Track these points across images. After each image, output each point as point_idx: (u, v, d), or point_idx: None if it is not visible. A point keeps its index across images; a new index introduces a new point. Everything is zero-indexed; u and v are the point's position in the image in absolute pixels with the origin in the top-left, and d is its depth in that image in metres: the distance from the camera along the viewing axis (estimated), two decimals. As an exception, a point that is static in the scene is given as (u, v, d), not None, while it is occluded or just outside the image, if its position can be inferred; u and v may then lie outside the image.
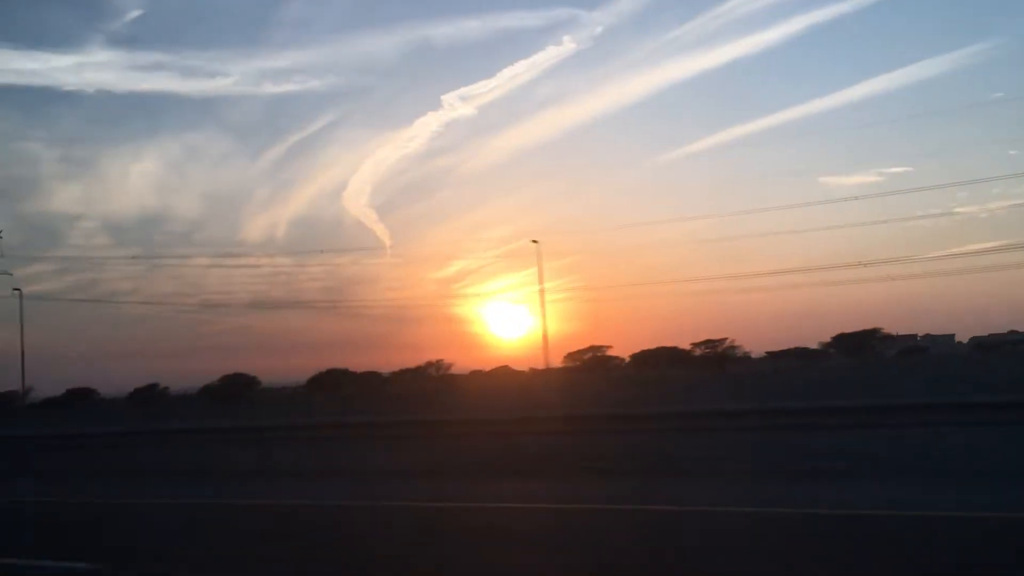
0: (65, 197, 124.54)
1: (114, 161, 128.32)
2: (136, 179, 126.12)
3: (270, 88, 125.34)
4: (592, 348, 79.66)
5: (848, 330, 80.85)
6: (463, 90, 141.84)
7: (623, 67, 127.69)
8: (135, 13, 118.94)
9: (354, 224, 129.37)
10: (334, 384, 68.72)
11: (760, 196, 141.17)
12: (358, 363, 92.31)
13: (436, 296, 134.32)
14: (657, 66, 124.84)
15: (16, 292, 60.87)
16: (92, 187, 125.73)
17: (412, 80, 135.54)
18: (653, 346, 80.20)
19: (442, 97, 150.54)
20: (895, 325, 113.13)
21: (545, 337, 64.63)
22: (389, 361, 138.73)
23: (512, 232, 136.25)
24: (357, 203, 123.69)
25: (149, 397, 70.26)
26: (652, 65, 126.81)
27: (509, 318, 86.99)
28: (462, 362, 74.98)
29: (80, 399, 76.02)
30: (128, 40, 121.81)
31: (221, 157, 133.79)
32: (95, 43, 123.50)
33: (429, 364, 54.21)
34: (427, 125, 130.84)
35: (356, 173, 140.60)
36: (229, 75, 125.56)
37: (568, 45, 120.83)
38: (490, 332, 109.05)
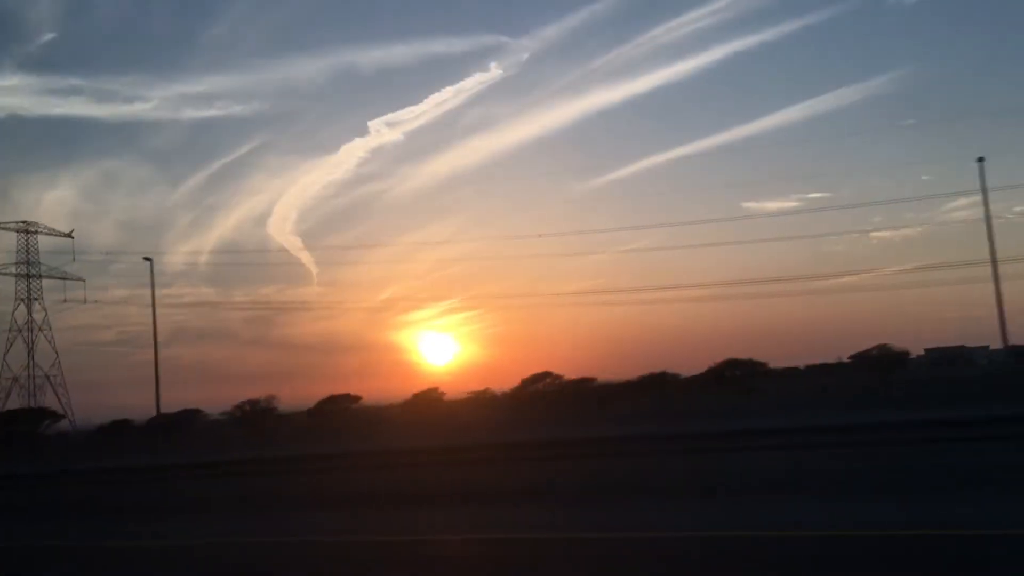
0: None
1: (26, 188, 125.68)
2: (50, 206, 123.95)
3: (191, 113, 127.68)
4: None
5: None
6: (390, 116, 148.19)
7: (549, 94, 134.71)
8: (49, 36, 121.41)
9: (279, 252, 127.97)
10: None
11: (685, 221, 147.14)
12: (284, 394, 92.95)
13: (364, 324, 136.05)
14: (582, 93, 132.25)
15: None
16: (3, 214, 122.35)
17: (338, 106, 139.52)
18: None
19: (369, 123, 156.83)
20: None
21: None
22: (317, 392, 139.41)
23: (440, 259, 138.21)
24: (282, 230, 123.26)
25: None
26: (577, 92, 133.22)
27: (438, 344, 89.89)
28: (390, 390, 75.14)
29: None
30: (41, 64, 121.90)
31: (140, 184, 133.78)
32: (6, 66, 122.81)
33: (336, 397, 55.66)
34: (353, 151, 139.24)
35: (281, 200, 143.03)
36: (148, 100, 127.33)
37: (495, 71, 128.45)
38: (420, 359, 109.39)
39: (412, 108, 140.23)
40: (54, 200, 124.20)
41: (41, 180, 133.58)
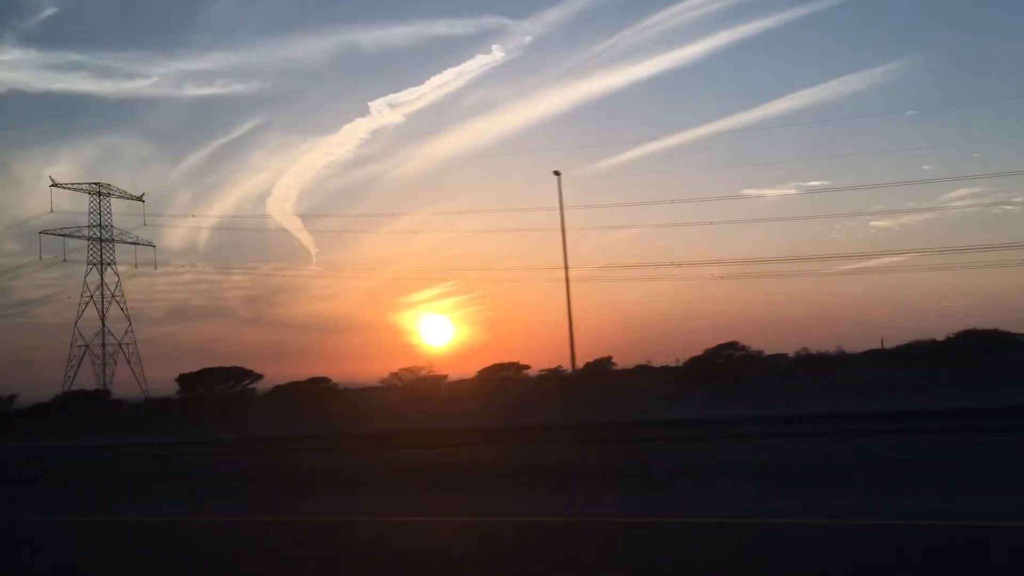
0: None
1: (26, 163, 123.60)
2: (49, 183, 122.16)
3: (192, 91, 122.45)
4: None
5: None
6: (391, 97, 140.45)
7: (551, 77, 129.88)
8: (50, 11, 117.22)
9: (279, 231, 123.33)
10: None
11: (684, 207, 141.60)
12: (281, 374, 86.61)
13: (362, 305, 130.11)
14: (584, 77, 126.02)
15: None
16: (2, 190, 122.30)
17: (340, 86, 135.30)
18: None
19: (370, 103, 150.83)
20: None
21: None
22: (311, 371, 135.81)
23: (439, 241, 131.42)
24: (282, 210, 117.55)
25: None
26: (579, 76, 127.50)
27: (437, 326, 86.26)
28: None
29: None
30: (43, 38, 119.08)
31: (140, 161, 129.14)
32: (7, 41, 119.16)
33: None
34: (354, 132, 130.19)
35: (281, 179, 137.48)
36: (149, 76, 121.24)
37: (497, 54, 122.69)
38: (419, 340, 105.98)
39: (413, 89, 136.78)
40: (54, 176, 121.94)
41: (41, 155, 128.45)
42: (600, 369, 52.62)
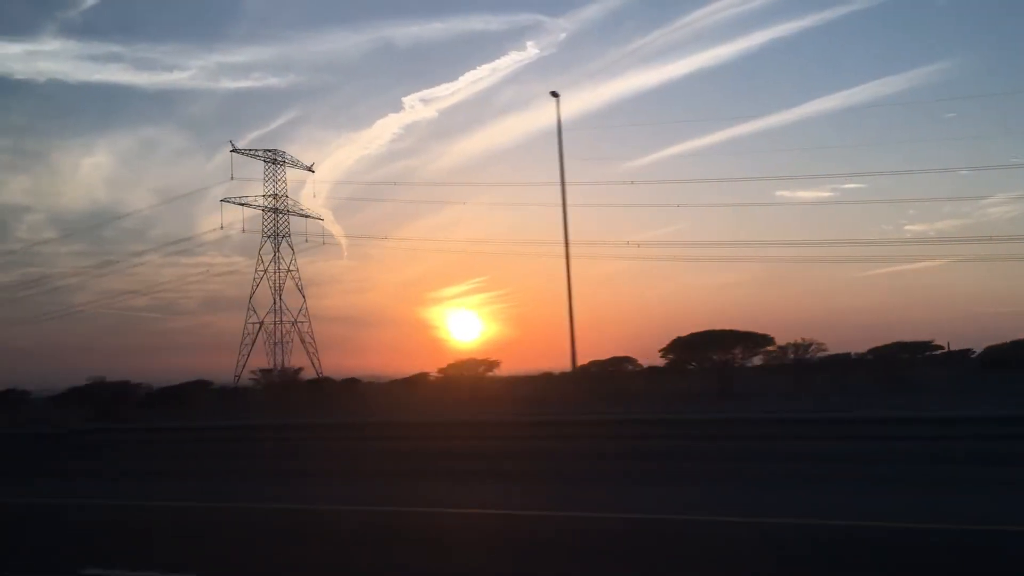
0: (13, 188, 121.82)
1: (65, 153, 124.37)
2: (87, 172, 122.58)
3: (228, 84, 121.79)
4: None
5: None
6: (424, 92, 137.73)
7: (585, 75, 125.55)
8: (91, 2, 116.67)
9: (311, 225, 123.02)
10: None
11: (717, 209, 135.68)
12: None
13: (393, 299, 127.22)
14: (618, 75, 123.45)
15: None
16: (41, 179, 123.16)
17: (373, 81, 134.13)
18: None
19: (403, 99, 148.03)
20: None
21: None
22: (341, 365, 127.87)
23: (470, 237, 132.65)
24: (314, 203, 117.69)
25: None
26: (613, 74, 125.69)
27: (466, 321, 79.17)
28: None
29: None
30: (82, 29, 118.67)
31: (176, 152, 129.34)
32: (48, 31, 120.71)
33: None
34: (387, 127, 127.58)
35: (314, 173, 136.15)
36: (186, 69, 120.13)
37: (531, 51, 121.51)
38: (449, 335, 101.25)
39: (447, 85, 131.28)
40: (91, 166, 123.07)
41: (79, 145, 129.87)
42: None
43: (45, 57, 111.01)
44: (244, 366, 70.42)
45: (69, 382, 45.87)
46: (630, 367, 46.16)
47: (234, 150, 68.36)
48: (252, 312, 71.24)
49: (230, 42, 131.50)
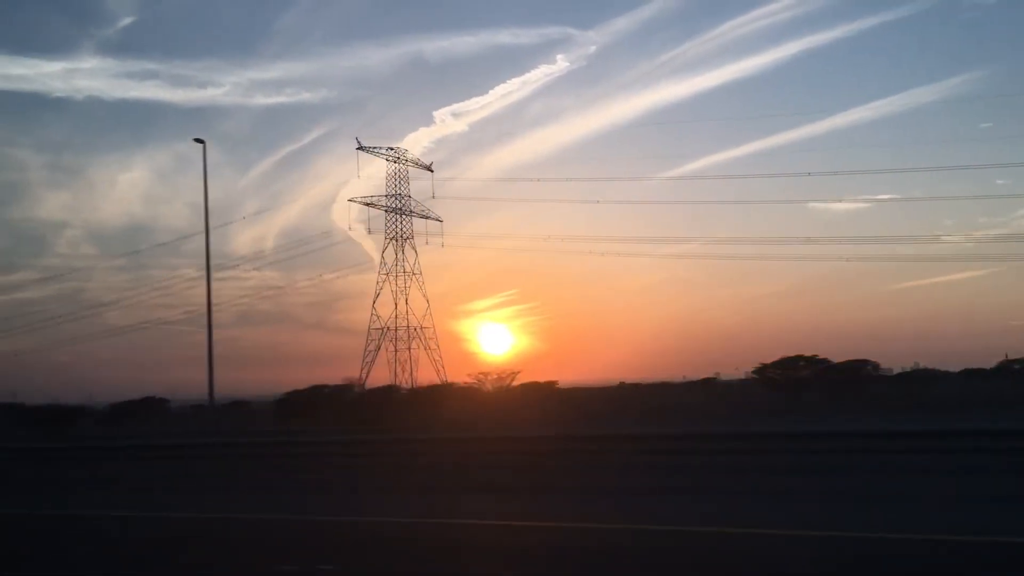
0: (52, 204, 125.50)
1: (102, 169, 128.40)
2: (124, 188, 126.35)
3: (261, 99, 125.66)
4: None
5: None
6: (455, 106, 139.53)
7: (616, 87, 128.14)
8: (127, 20, 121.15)
9: (342, 238, 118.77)
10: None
11: (749, 219, 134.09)
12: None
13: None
14: (649, 87, 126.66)
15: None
16: (79, 195, 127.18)
17: (404, 95, 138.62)
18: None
19: (434, 113, 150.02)
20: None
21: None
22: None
23: (501, 249, 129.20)
24: (346, 217, 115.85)
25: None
26: (644, 86, 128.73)
27: (497, 334, 73.92)
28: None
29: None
30: (119, 47, 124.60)
31: (210, 168, 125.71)
32: (86, 50, 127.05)
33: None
34: (418, 140, 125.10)
35: (346, 187, 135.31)
36: (220, 85, 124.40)
37: (561, 64, 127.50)
38: (480, 348, 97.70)
39: (478, 99, 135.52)
40: (128, 181, 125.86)
41: (116, 161, 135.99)
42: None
43: (83, 75, 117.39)
44: (368, 373, 67.55)
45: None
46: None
47: (360, 148, 65.68)
48: (376, 318, 68.32)
49: (263, 59, 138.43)
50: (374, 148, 66.70)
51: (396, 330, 68.53)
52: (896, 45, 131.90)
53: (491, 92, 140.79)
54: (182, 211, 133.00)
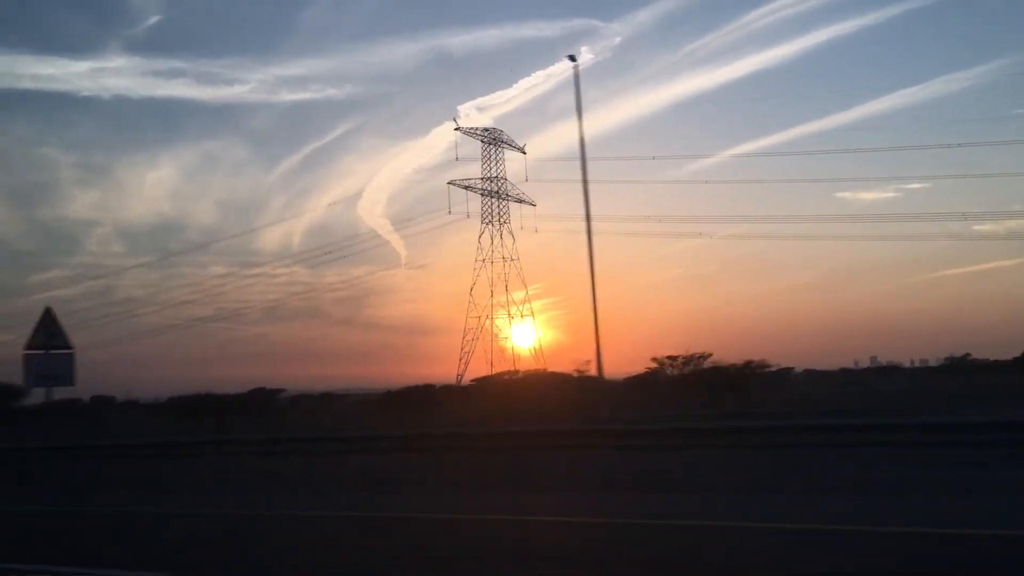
0: (81, 203, 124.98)
1: (130, 168, 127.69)
2: (152, 186, 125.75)
3: (287, 96, 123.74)
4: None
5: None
6: (480, 100, 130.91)
7: (641, 79, 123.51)
8: (153, 19, 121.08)
9: (369, 234, 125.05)
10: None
11: (777, 210, 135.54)
12: (371, 374, 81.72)
13: (450, 307, 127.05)
14: (675, 78, 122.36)
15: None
16: (108, 193, 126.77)
17: (429, 90, 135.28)
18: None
19: (459, 107, 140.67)
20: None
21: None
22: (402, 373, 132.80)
23: (526, 242, 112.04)
24: (372, 213, 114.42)
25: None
26: (670, 77, 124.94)
27: (523, 328, 69.97)
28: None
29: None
30: (146, 46, 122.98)
31: (237, 165, 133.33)
32: (113, 49, 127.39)
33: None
34: (443, 135, 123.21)
35: (372, 182, 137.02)
36: (246, 82, 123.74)
37: (586, 56, 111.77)
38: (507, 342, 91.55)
39: (502, 92, 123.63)
40: (156, 180, 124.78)
41: (144, 160, 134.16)
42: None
43: (110, 74, 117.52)
44: (468, 365, 66.67)
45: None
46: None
47: (457, 128, 64.29)
48: (473, 305, 67.21)
49: (288, 56, 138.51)
50: (469, 129, 65.22)
51: (493, 319, 67.35)
52: (926, 32, 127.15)
53: (515, 85, 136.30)
54: (210, 209, 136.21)
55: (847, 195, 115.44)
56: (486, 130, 65.91)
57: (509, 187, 66.69)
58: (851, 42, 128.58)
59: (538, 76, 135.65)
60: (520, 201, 67.22)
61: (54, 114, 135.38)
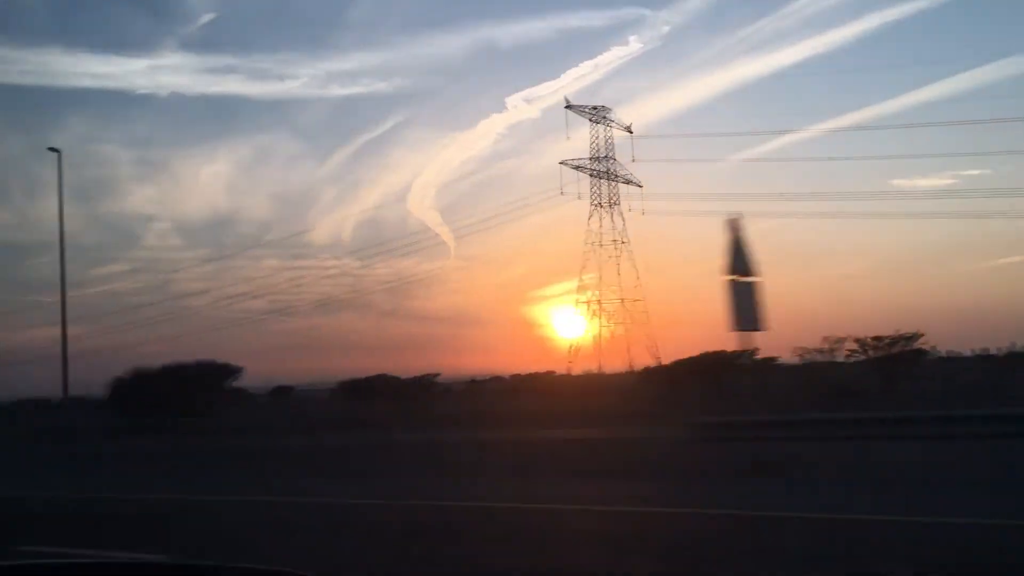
0: (139, 198, 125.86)
1: (186, 163, 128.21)
2: (207, 181, 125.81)
3: (337, 90, 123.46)
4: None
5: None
6: (527, 91, 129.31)
7: (691, 67, 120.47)
8: (207, 17, 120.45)
9: (418, 226, 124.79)
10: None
11: (831, 198, 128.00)
12: (418, 366, 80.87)
13: (499, 299, 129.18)
14: (725, 66, 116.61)
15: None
16: (165, 189, 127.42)
17: (477, 82, 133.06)
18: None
19: (506, 99, 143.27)
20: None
21: None
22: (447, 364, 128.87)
23: (574, 234, 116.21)
24: (421, 205, 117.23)
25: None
26: (720, 65, 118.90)
27: (571, 320, 67.34)
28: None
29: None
30: (200, 43, 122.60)
31: (290, 159, 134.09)
32: (168, 47, 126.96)
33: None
34: (491, 127, 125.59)
35: (421, 175, 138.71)
36: (298, 77, 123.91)
37: (634, 45, 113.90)
38: (554, 334, 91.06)
39: (550, 83, 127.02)
40: (211, 174, 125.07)
41: (200, 155, 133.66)
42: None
43: (166, 71, 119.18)
44: (577, 351, 63.23)
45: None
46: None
47: (568, 106, 61.27)
48: (583, 293, 63.80)
49: (338, 50, 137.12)
50: (579, 107, 62.19)
51: (603, 306, 63.93)
52: (984, 14, 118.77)
53: (563, 76, 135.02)
54: (264, 203, 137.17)
55: (903, 182, 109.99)
56: (593, 108, 62.91)
57: (618, 167, 63.63)
58: (906, 26, 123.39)
59: (586, 66, 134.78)
60: (628, 182, 64.12)
61: (112, 111, 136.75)
